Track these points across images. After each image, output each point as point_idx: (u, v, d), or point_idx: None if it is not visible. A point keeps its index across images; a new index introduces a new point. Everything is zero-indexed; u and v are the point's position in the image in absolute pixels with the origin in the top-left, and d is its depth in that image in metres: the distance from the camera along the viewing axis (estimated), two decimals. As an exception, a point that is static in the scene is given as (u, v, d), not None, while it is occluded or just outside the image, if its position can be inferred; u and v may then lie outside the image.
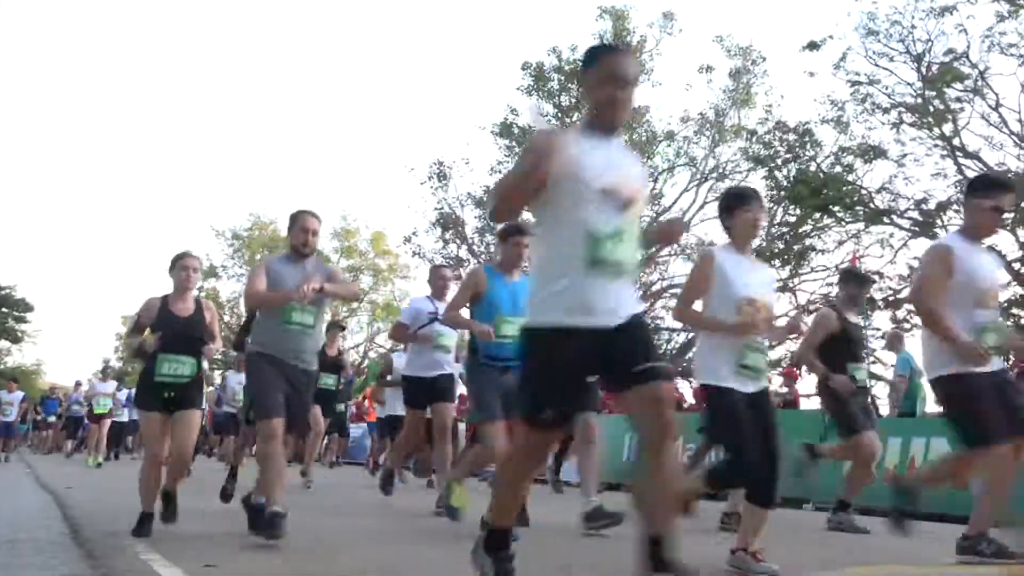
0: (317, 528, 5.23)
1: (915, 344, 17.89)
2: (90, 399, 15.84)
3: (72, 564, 3.81)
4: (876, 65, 18.97)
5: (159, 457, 5.02)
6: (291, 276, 4.79)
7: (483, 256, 26.42)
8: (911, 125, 18.72)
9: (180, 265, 5.19)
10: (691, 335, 21.94)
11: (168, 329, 5.00)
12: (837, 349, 5.86)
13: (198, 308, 5.17)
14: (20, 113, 59.61)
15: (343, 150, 63.02)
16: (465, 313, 5.50)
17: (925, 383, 9.50)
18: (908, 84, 18.78)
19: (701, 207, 24.90)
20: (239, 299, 38.00)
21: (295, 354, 4.79)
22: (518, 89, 25.98)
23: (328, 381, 10.28)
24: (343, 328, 12.24)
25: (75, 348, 66.76)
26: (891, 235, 20.00)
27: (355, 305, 37.41)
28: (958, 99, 18.19)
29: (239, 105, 62.83)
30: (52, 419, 22.42)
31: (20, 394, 18.43)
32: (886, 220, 19.15)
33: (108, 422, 15.50)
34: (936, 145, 18.67)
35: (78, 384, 20.50)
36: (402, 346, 9.39)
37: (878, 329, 18.80)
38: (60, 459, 18.01)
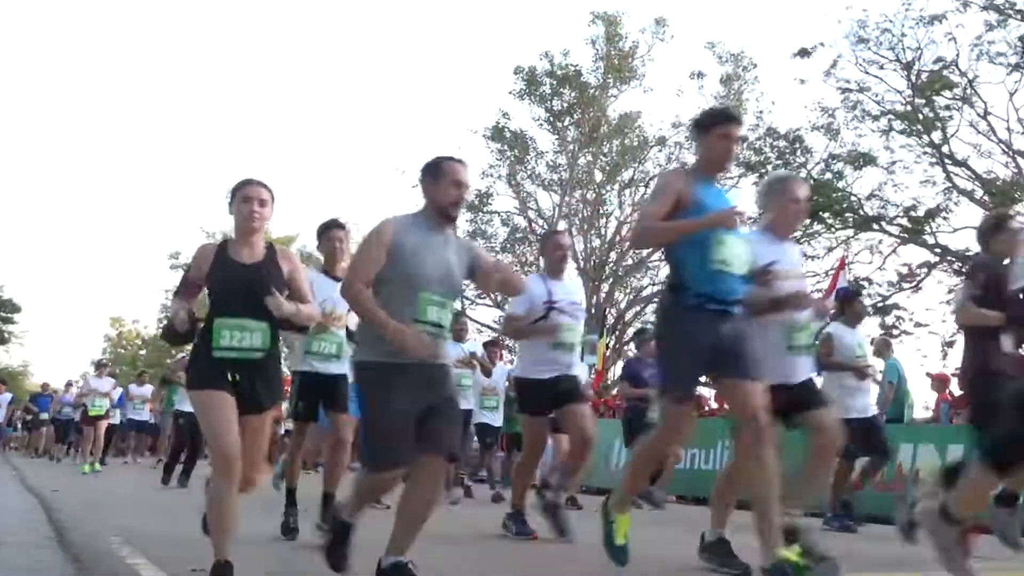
0: (305, 530, 5.19)
1: (903, 350, 18.04)
2: (84, 399, 13.95)
3: (58, 568, 3.78)
4: (866, 72, 19.11)
5: (236, 460, 3.25)
6: (435, 253, 3.32)
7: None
8: (900, 132, 18.86)
9: (241, 196, 3.50)
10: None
11: (227, 283, 3.39)
12: None
13: (270, 255, 3.50)
14: (6, 112, 59.35)
15: (334, 152, 62.99)
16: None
17: (912, 390, 9.56)
18: (898, 92, 18.92)
19: (692, 212, 24.98)
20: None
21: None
22: (510, 93, 26.04)
23: None
24: None
25: (63, 349, 66.30)
26: (880, 241, 20.14)
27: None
28: (947, 107, 18.34)
29: (230, 106, 62.78)
30: (44, 416, 20.39)
31: (8, 396, 18.19)
32: (875, 227, 19.27)
33: (105, 424, 13.59)
34: (925, 152, 18.80)
35: (69, 384, 18.87)
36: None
37: (867, 336, 18.89)
38: (50, 463, 17.00)
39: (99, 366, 14.56)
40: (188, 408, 9.15)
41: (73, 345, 70.06)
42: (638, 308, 26.03)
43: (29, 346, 68.10)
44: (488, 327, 26.24)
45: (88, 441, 12.98)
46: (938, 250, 18.90)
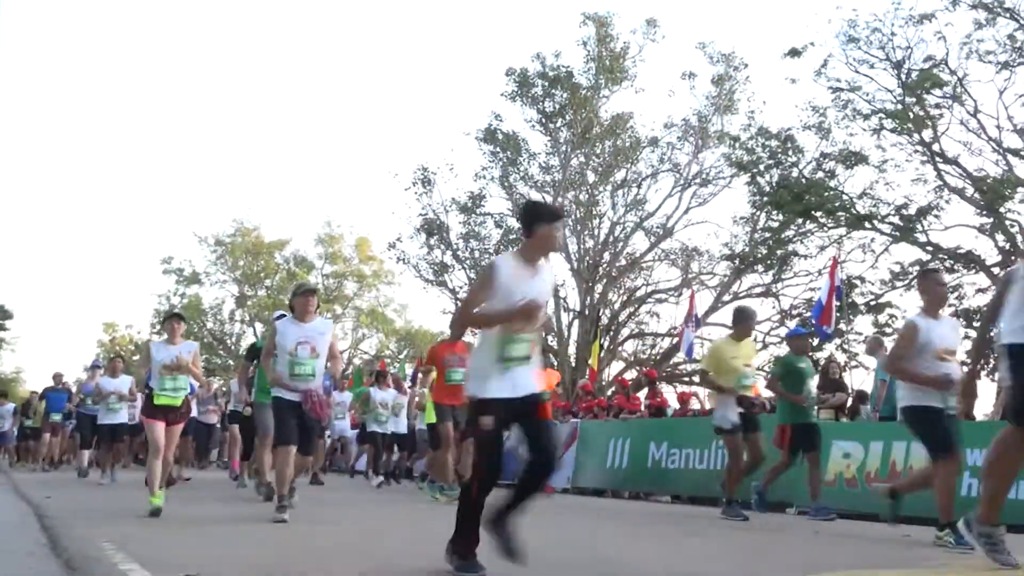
0: (308, 536, 5.19)
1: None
2: (145, 376, 7.77)
3: (50, 574, 3.77)
4: (857, 72, 19.16)
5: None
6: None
7: (468, 261, 26.39)
8: (891, 131, 18.90)
9: None
10: (676, 340, 22.01)
11: None
12: None
13: None
14: None
15: (327, 156, 62.84)
16: None
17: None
18: (888, 91, 18.98)
19: (685, 212, 25.06)
20: (221, 306, 37.76)
21: None
22: (502, 95, 26.04)
23: None
24: None
25: (56, 355, 65.84)
26: (872, 240, 20.19)
27: (339, 311, 37.32)
28: (937, 105, 18.40)
29: (222, 110, 62.50)
30: (56, 417, 15.62)
31: (11, 406, 17.01)
32: (867, 225, 19.31)
33: (180, 425, 7.29)
34: (916, 151, 18.86)
35: (95, 367, 13.83)
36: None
37: (860, 334, 18.95)
38: (68, 477, 12.76)
39: (169, 321, 7.34)
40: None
41: (66, 351, 69.62)
42: (632, 309, 26.05)
43: (21, 352, 67.79)
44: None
45: (158, 452, 6.91)
46: (930, 248, 18.96)
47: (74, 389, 16.38)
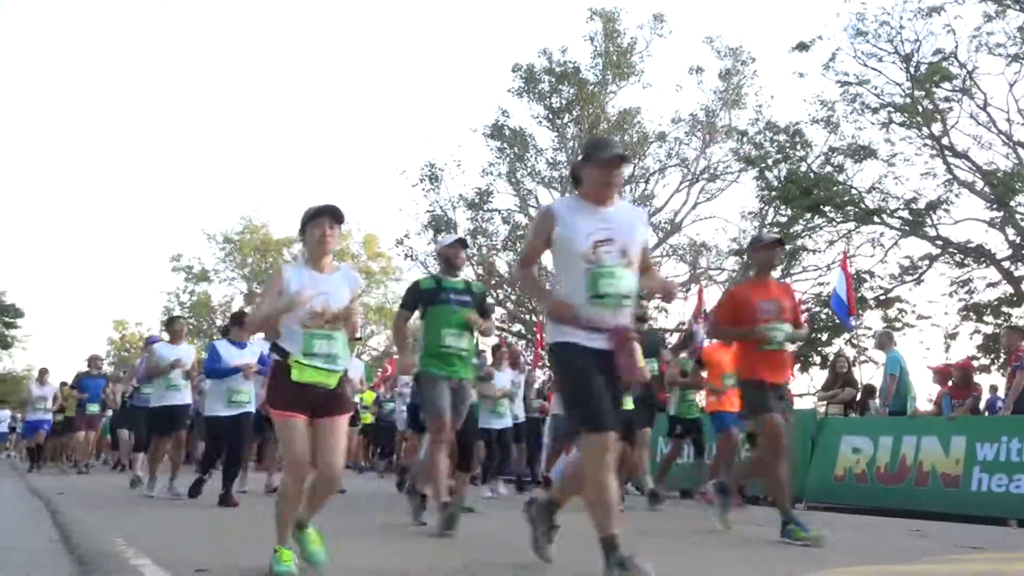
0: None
1: (905, 343, 18.02)
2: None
3: (63, 570, 3.79)
4: (865, 65, 19.09)
5: None
6: None
7: (475, 258, 26.40)
8: (900, 125, 18.83)
9: None
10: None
11: None
12: None
13: None
14: (7, 116, 59.33)
15: (334, 153, 62.99)
16: None
17: (915, 382, 9.56)
18: (897, 84, 18.90)
19: (693, 207, 25.02)
20: (231, 303, 37.93)
21: None
22: (509, 91, 26.02)
23: None
24: None
25: (67, 353, 66.26)
26: (881, 234, 20.11)
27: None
28: (947, 99, 18.31)
29: (230, 108, 62.69)
30: (94, 409, 12.90)
31: (52, 387, 14.20)
32: (876, 219, 19.24)
33: (344, 419, 3.76)
34: (925, 144, 18.79)
35: (150, 342, 9.69)
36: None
37: (869, 328, 18.88)
38: (95, 479, 11.22)
39: (319, 221, 3.78)
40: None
41: (76, 349, 70.01)
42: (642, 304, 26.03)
43: (32, 350, 68.14)
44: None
45: (298, 468, 3.64)
46: (939, 242, 18.87)
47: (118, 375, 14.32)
